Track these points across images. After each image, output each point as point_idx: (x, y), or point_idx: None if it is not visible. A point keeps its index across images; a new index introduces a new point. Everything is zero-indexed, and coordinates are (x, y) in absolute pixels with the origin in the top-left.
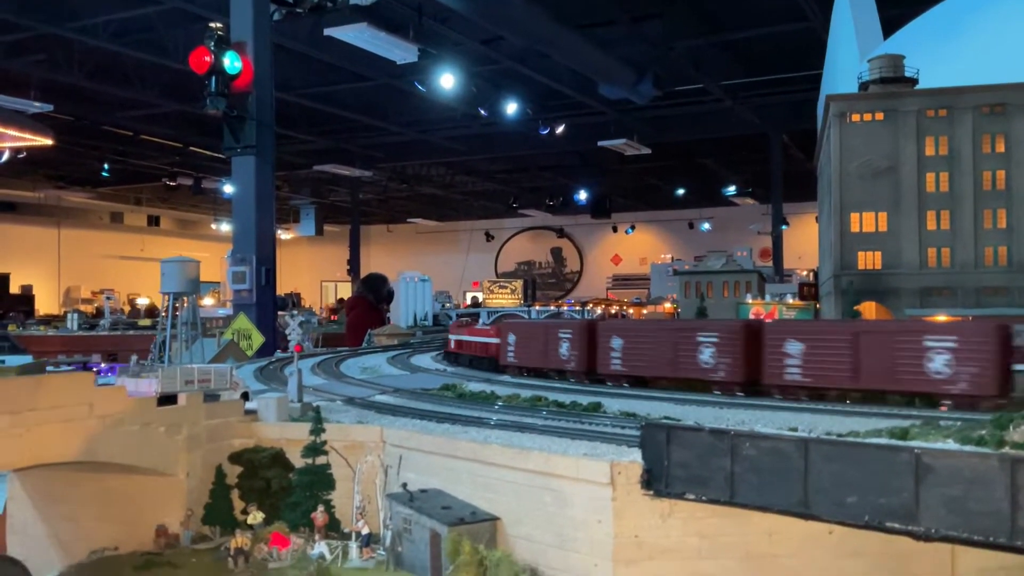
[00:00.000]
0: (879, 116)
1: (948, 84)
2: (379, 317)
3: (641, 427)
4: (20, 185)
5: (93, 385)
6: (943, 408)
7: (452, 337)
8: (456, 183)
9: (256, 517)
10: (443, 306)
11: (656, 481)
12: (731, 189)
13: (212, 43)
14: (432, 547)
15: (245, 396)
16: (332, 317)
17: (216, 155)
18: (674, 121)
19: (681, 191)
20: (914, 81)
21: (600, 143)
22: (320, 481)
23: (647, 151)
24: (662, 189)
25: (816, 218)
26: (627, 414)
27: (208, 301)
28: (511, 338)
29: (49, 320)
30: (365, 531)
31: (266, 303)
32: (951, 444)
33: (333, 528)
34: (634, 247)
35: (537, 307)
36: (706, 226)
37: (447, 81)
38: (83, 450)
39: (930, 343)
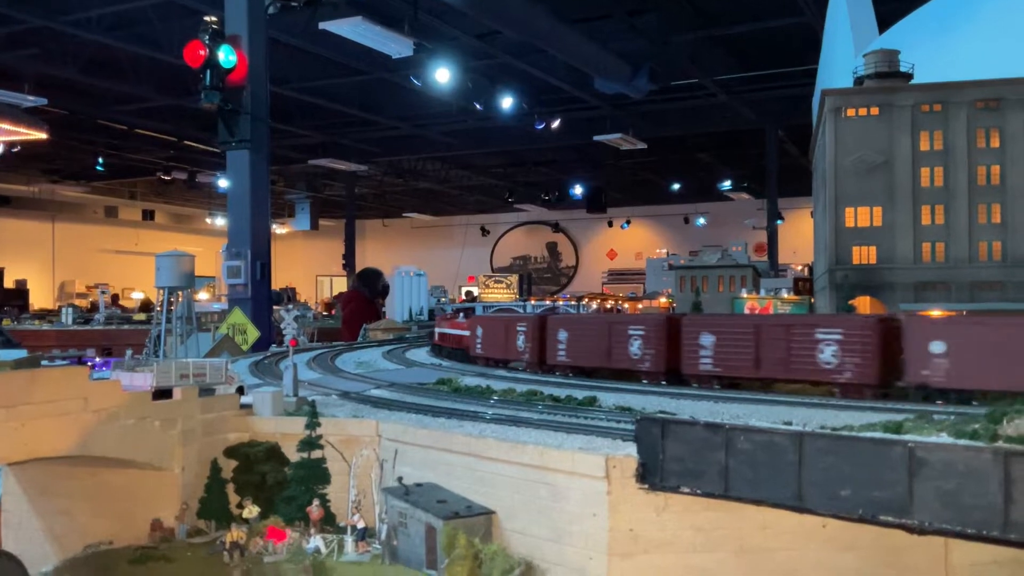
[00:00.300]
0: (874, 111)
1: (943, 79)
2: (374, 311)
3: (636, 421)
4: (14, 179)
5: (88, 379)
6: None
7: (436, 330)
8: (452, 178)
9: (251, 511)
10: (438, 301)
11: (651, 475)
12: (726, 184)
13: (207, 37)
14: (427, 541)
15: (240, 390)
16: (330, 312)
17: (211, 149)
18: (670, 116)
19: (676, 186)
20: (909, 76)
21: (595, 138)
22: (315, 475)
23: (642, 146)
24: (657, 184)
25: (811, 213)
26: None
27: (203, 296)
28: (479, 331)
29: (43, 315)
30: (361, 525)
31: (261, 298)
32: (945, 438)
33: (328, 522)
34: (629, 242)
35: (533, 301)
36: (701, 221)
37: (442, 76)
38: (78, 444)
39: (820, 335)
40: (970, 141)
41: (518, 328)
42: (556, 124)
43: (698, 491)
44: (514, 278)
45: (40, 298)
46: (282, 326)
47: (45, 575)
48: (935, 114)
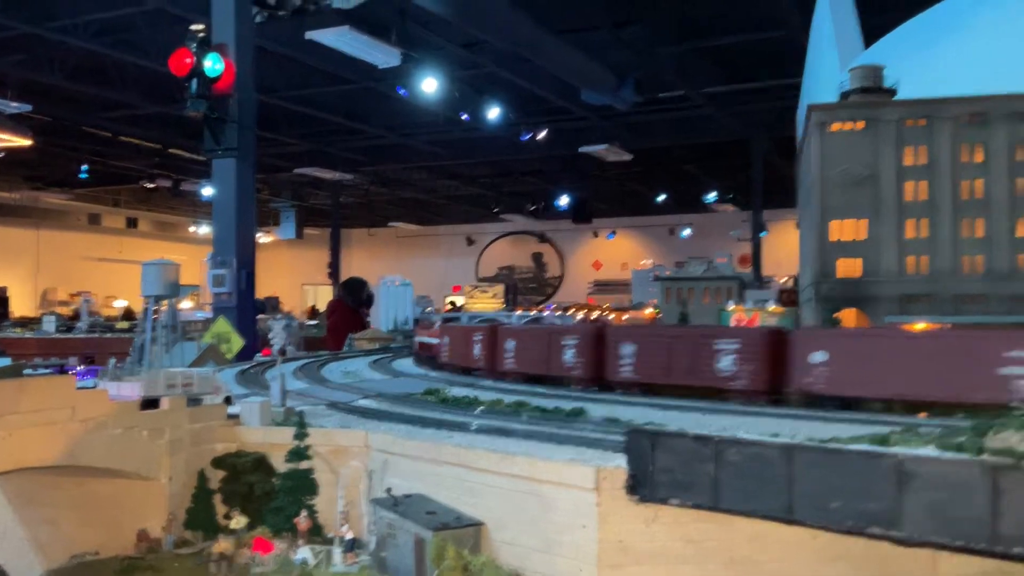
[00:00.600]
0: (860, 125)
1: (928, 94)
2: (359, 321)
3: (626, 433)
4: None
5: (75, 388)
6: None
7: (416, 339)
8: (438, 187)
9: (239, 522)
10: (424, 310)
11: (641, 486)
12: (712, 195)
13: (193, 45)
14: (416, 552)
15: (228, 400)
16: (312, 320)
17: (196, 157)
18: (655, 127)
19: (662, 197)
20: (894, 91)
21: (581, 149)
22: (303, 486)
23: (628, 157)
24: (643, 195)
25: (796, 225)
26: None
27: (187, 304)
28: (446, 339)
29: (25, 322)
30: (349, 536)
31: (246, 306)
32: (932, 450)
33: (316, 533)
34: (615, 252)
35: (519, 312)
36: (687, 232)
37: (429, 85)
38: (65, 454)
39: (720, 346)
40: (954, 156)
41: (474, 338)
42: (542, 135)
43: (688, 503)
44: (500, 288)
45: (22, 306)
46: (270, 336)
47: None
48: (920, 129)
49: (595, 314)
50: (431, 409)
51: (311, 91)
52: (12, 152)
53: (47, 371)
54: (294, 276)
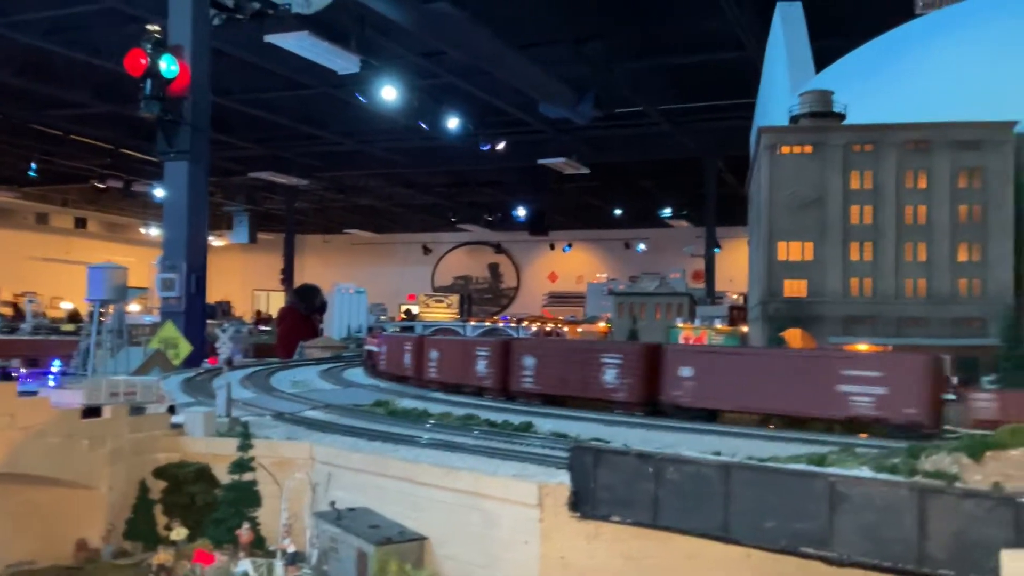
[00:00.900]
0: (808, 149)
1: (876, 120)
2: (311, 328)
3: (570, 449)
4: None
5: (15, 395)
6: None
7: (366, 347)
8: (395, 195)
9: (179, 533)
10: (378, 319)
11: (583, 503)
12: (667, 211)
13: (149, 45)
14: (359, 566)
15: (171, 409)
16: (261, 326)
17: (148, 158)
18: (613, 142)
19: (618, 211)
20: (842, 116)
21: (539, 161)
22: (246, 498)
23: (586, 171)
24: (600, 209)
25: (748, 242)
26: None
27: (135, 307)
28: (383, 348)
29: None
30: (291, 549)
31: (195, 311)
32: (865, 471)
33: (258, 546)
34: (571, 265)
35: (473, 322)
36: (642, 247)
37: (388, 93)
38: (3, 462)
39: (605, 360)
40: (899, 181)
41: (405, 347)
42: (501, 146)
43: (628, 520)
44: (455, 298)
45: None
46: (217, 345)
47: None
48: (866, 154)
49: (549, 326)
50: (379, 422)
51: (268, 95)
52: None
53: None
54: (246, 281)
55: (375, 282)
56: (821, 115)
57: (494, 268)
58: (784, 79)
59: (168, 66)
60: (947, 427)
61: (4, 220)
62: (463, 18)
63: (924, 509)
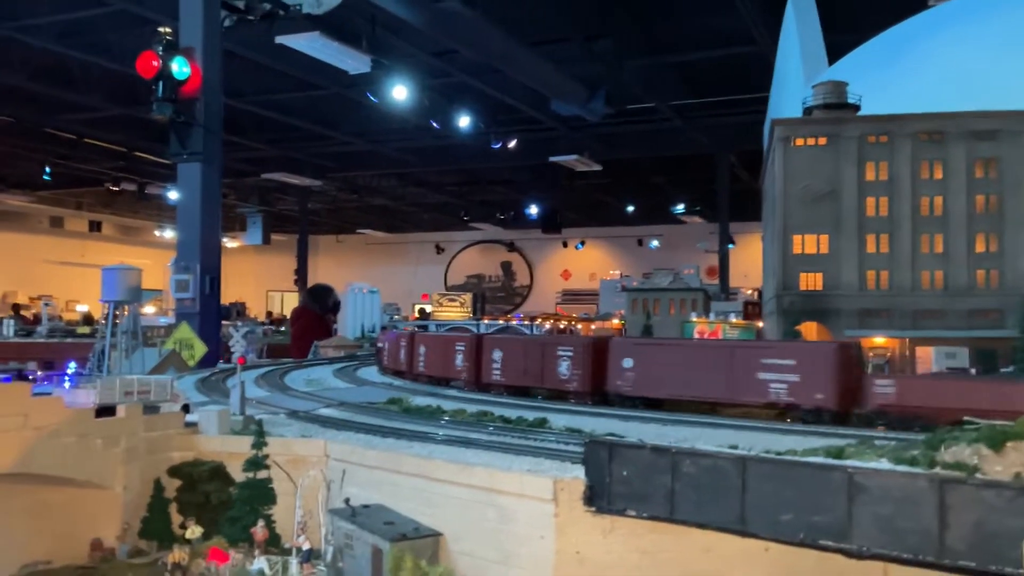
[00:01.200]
0: (822, 141)
1: (890, 111)
2: (325, 328)
3: (585, 444)
4: None
5: (29, 395)
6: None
7: (378, 344)
8: (407, 195)
9: (194, 532)
10: (391, 318)
11: (598, 498)
12: (679, 207)
13: (160, 47)
14: (374, 563)
15: (186, 408)
16: (273, 326)
17: (162, 160)
18: (625, 139)
19: (631, 208)
20: (856, 108)
21: (551, 159)
22: (261, 495)
23: (598, 168)
24: (612, 205)
25: (762, 237)
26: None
27: (149, 309)
28: (386, 346)
29: None
30: (306, 547)
31: (209, 312)
32: (884, 463)
33: (273, 543)
34: (584, 262)
35: (486, 320)
36: (655, 243)
37: (400, 93)
38: (17, 462)
39: (560, 352)
40: (914, 172)
41: (400, 345)
42: (513, 144)
43: (644, 514)
44: (468, 297)
45: None
46: (231, 343)
47: None
48: (881, 145)
49: (562, 324)
50: (393, 419)
51: (280, 96)
52: None
53: (3, 377)
54: (260, 282)
55: (388, 281)
56: (835, 106)
57: (507, 266)
58: (797, 71)
59: (180, 68)
60: (856, 412)
61: (19, 224)
62: (474, 17)
63: (944, 500)
